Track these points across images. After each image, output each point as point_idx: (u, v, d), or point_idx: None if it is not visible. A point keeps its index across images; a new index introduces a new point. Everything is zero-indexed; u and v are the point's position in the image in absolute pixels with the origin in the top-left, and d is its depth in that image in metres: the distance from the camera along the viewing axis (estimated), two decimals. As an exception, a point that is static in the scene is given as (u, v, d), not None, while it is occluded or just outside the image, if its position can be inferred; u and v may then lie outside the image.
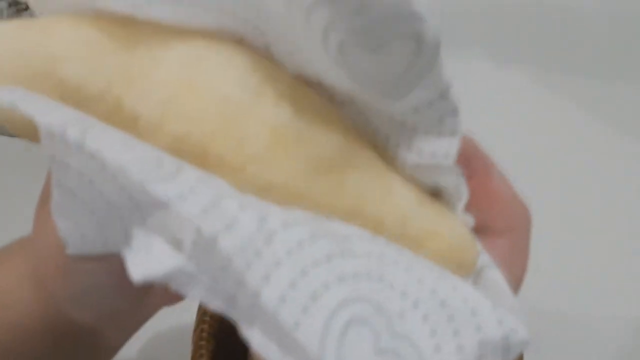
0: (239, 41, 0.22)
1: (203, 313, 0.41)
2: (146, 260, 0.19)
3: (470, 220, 0.24)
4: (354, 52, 0.19)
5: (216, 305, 0.19)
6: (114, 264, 0.26)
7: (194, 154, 0.21)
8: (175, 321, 0.46)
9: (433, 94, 0.20)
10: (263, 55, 0.23)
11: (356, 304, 0.19)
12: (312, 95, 0.22)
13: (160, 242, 0.19)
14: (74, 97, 0.22)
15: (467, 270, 0.23)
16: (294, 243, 0.19)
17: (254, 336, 0.19)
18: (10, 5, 0.79)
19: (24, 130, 0.23)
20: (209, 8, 0.21)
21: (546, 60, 0.74)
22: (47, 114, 0.19)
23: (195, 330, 0.41)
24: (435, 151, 0.21)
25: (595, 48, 0.75)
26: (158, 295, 0.32)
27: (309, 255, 0.19)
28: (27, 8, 0.78)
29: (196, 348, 0.40)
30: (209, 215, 0.18)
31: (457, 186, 0.23)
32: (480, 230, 0.24)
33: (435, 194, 0.24)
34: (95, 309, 0.30)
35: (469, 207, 0.23)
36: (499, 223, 0.23)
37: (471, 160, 0.23)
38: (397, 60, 0.19)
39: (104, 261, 0.27)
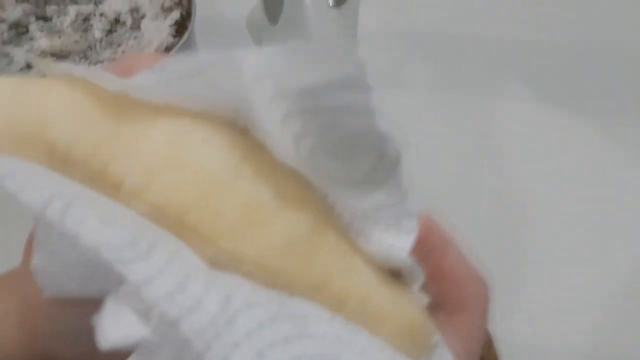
0: (224, 121, 0.24)
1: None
2: (115, 328, 0.20)
3: (424, 299, 0.25)
4: (323, 159, 0.21)
5: None
6: (99, 308, 0.28)
7: (171, 224, 0.22)
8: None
9: (393, 199, 0.23)
10: (245, 134, 0.24)
11: None
12: (288, 177, 0.23)
13: (129, 312, 0.20)
14: (61, 159, 0.23)
15: (422, 350, 0.24)
16: (254, 324, 0.20)
17: None
18: (10, 27, 0.81)
19: None
20: (195, 94, 0.23)
21: (590, 102, 0.76)
22: (30, 190, 0.21)
23: None
24: (393, 244, 0.23)
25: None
26: None
27: (268, 337, 0.20)
28: (27, 31, 0.80)
29: None
30: (175, 298, 0.20)
31: (412, 272, 0.24)
32: (436, 308, 0.24)
33: (394, 273, 0.25)
34: (79, 346, 0.30)
35: (426, 286, 0.24)
36: (454, 301, 0.24)
37: (428, 240, 0.24)
38: (361, 168, 0.22)
39: (90, 305, 0.27)
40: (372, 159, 0.22)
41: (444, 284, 0.24)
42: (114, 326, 0.20)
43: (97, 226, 0.20)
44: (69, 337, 0.30)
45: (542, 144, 0.71)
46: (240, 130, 0.24)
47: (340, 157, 0.21)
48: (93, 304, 0.27)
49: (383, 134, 0.21)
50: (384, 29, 0.88)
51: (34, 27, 0.81)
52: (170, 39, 0.74)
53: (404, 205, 0.23)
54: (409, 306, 0.24)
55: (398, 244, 0.23)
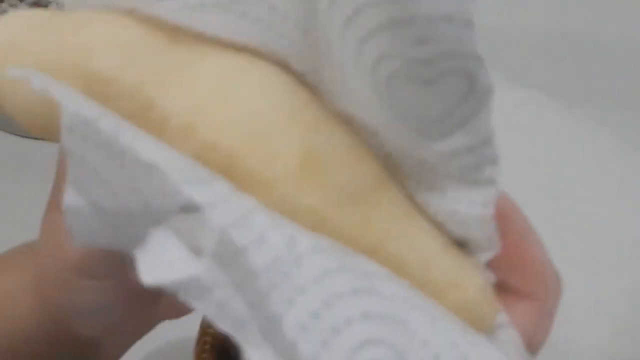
0: (279, 62, 0.22)
1: (206, 325, 0.41)
2: (160, 264, 0.18)
3: (491, 277, 0.23)
4: (404, 85, 0.19)
5: (224, 324, 0.18)
6: (118, 282, 0.27)
7: (222, 164, 0.20)
8: (177, 333, 0.46)
9: (475, 139, 0.20)
10: (301, 81, 0.22)
11: (379, 347, 0.18)
12: (345, 129, 0.22)
13: (178, 246, 0.18)
14: (102, 91, 0.21)
15: (484, 326, 0.22)
16: (320, 270, 0.18)
17: None
18: (30, 6, 0.79)
19: (40, 125, 0.23)
20: (257, 22, 0.21)
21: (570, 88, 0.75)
22: (78, 104, 0.19)
23: (197, 342, 0.40)
24: (473, 200, 0.20)
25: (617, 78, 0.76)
26: (161, 309, 0.32)
27: (335, 286, 0.18)
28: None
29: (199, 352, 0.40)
30: (240, 226, 0.18)
31: (489, 239, 0.21)
32: (507, 290, 0.23)
33: (461, 242, 0.23)
34: (95, 322, 0.30)
35: (499, 265, 0.22)
36: (528, 287, 0.22)
37: (508, 218, 0.22)
38: (447, 97, 0.19)
39: (108, 279, 0.27)
40: (463, 86, 0.18)
41: (521, 267, 0.22)
42: (160, 261, 0.18)
43: (154, 146, 0.18)
44: (87, 314, 0.29)
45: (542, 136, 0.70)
46: (296, 74, 0.22)
47: (426, 82, 0.18)
48: (115, 280, 0.26)
49: (479, 56, 0.18)
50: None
51: (54, 6, 0.79)
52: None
53: (488, 148, 0.20)
54: (476, 280, 0.22)
55: (479, 198, 0.20)
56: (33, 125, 0.23)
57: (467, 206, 0.21)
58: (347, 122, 0.22)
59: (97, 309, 0.28)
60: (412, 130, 0.20)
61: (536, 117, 0.73)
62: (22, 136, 0.69)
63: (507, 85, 0.77)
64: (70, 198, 0.20)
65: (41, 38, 0.22)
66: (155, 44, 0.22)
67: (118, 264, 0.25)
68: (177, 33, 0.22)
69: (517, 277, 0.22)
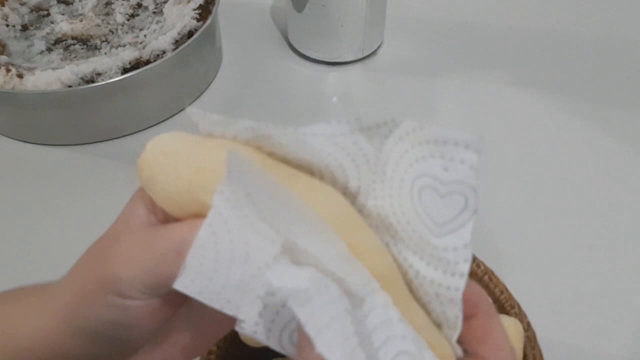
0: (333, 182, 0.31)
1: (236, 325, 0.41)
2: (282, 275, 0.27)
3: (460, 352, 0.30)
4: (429, 195, 0.29)
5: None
6: (148, 304, 0.31)
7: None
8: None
9: (460, 242, 0.28)
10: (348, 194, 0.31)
11: None
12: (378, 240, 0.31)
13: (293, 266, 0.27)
14: None
15: None
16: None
17: None
18: (31, 11, 0.79)
19: (177, 207, 0.30)
20: (343, 150, 0.30)
21: (562, 84, 0.75)
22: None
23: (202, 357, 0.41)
24: (450, 286, 0.28)
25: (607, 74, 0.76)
26: (169, 347, 0.34)
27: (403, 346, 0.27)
28: (48, 14, 0.78)
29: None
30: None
31: (456, 319, 0.29)
32: (472, 357, 0.29)
33: (438, 324, 0.30)
34: (114, 341, 0.32)
35: (473, 338, 0.29)
36: (492, 354, 0.29)
37: (478, 305, 0.30)
38: (452, 208, 0.28)
39: (140, 300, 0.30)
40: (461, 204, 0.28)
41: (485, 340, 0.29)
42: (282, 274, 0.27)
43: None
44: (110, 327, 0.31)
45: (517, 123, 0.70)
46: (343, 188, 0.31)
47: (440, 196, 0.29)
48: (144, 301, 0.31)
49: (474, 188, 0.28)
50: (410, 14, 0.87)
51: (55, 10, 0.80)
52: (194, 23, 0.73)
53: (466, 250, 0.28)
54: (447, 352, 0.30)
55: (453, 284, 0.28)
56: (171, 206, 0.30)
57: (445, 290, 0.29)
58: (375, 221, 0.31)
59: (114, 328, 0.31)
60: (426, 228, 0.29)
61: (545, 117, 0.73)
62: (24, 141, 0.70)
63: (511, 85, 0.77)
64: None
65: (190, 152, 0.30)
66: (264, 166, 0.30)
67: (152, 290, 0.30)
68: (273, 161, 0.31)
69: (485, 348, 0.29)
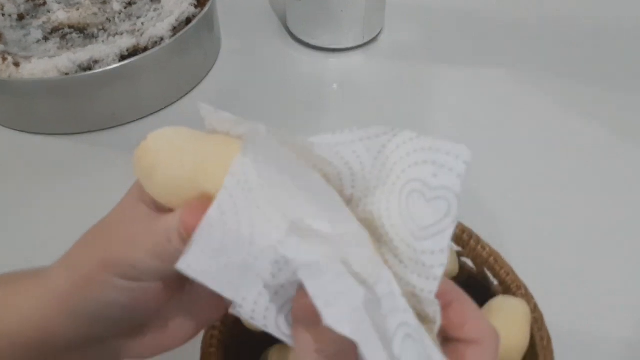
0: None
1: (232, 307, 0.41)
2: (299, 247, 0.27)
3: (438, 345, 0.30)
4: (416, 199, 0.30)
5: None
6: (147, 288, 0.31)
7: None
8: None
9: (438, 247, 0.29)
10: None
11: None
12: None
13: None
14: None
15: None
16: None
17: None
18: (28, 0, 0.78)
19: (174, 198, 0.30)
20: (343, 159, 0.31)
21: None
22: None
23: (204, 336, 0.40)
24: (424, 289, 0.30)
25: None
26: (160, 330, 0.34)
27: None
28: (44, 3, 0.77)
29: (205, 355, 0.39)
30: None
31: (435, 314, 0.30)
32: (460, 342, 0.30)
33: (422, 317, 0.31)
34: (111, 322, 0.32)
35: (452, 326, 0.30)
36: (470, 335, 0.30)
37: (450, 293, 0.31)
38: (435, 213, 0.30)
39: (139, 282, 0.31)
40: (444, 210, 0.29)
41: (463, 323, 0.30)
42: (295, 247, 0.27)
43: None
44: (108, 308, 0.31)
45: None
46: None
47: (427, 200, 0.30)
48: (143, 284, 0.31)
49: (458, 195, 0.29)
50: (410, 2, 0.86)
51: (55, 6, 0.79)
52: (192, 10, 0.72)
53: (442, 255, 0.29)
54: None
55: (427, 287, 0.29)
56: (168, 196, 0.30)
57: (420, 292, 0.30)
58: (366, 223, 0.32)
59: (119, 309, 0.31)
60: (408, 231, 0.30)
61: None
62: (21, 131, 0.69)
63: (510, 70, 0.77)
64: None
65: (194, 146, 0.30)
66: None
67: (154, 272, 0.30)
68: None
69: (464, 331, 0.30)
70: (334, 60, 0.78)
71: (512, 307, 0.40)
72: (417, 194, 0.30)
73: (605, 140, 0.67)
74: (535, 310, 0.41)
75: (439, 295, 0.29)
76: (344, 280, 0.27)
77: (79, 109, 0.67)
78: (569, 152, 0.66)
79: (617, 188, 0.62)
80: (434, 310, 0.30)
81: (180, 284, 0.33)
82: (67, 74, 0.64)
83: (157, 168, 0.30)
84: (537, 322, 0.41)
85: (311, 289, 0.25)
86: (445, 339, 0.31)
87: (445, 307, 0.30)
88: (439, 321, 0.30)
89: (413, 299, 0.30)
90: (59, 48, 0.71)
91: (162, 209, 0.31)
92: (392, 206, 0.31)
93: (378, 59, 0.78)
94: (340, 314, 0.25)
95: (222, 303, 0.33)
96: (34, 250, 0.58)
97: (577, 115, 0.70)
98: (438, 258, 0.29)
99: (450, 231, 0.29)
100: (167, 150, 0.30)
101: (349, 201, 0.32)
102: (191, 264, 0.28)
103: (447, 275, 0.47)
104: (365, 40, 0.78)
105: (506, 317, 0.39)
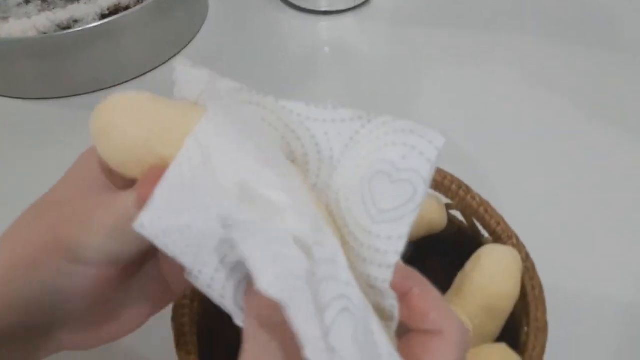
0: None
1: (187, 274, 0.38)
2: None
3: (396, 345, 0.28)
4: (381, 180, 0.28)
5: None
6: (98, 272, 0.28)
7: None
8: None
9: (396, 232, 0.27)
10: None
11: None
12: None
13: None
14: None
15: None
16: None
17: None
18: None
19: (127, 164, 0.28)
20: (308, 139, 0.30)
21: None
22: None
23: (174, 308, 0.38)
24: (378, 277, 0.27)
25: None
26: (106, 323, 0.32)
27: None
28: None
29: (177, 307, 0.37)
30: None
31: (392, 308, 0.27)
32: (424, 333, 0.27)
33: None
34: (58, 308, 0.30)
35: (413, 318, 0.27)
36: (434, 326, 0.27)
37: (409, 278, 0.28)
38: (399, 195, 0.27)
39: (92, 266, 0.28)
40: (409, 194, 0.27)
41: (425, 314, 0.27)
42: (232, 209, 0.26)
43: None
44: (56, 293, 0.29)
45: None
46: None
47: (392, 181, 0.28)
48: (95, 268, 0.28)
49: (426, 180, 0.27)
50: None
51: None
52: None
53: (399, 242, 0.27)
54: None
55: (381, 276, 0.27)
56: (122, 160, 0.28)
57: (374, 281, 0.27)
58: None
59: (62, 296, 0.29)
60: (367, 215, 0.28)
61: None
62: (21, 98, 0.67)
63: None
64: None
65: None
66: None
67: (110, 256, 0.28)
68: None
69: (429, 321, 0.27)
70: (325, 23, 0.75)
71: (502, 254, 0.38)
72: (382, 175, 0.28)
73: (598, 99, 0.65)
74: (526, 259, 0.39)
75: (397, 284, 0.27)
76: (283, 243, 0.25)
77: (58, 72, 0.65)
78: (565, 106, 0.63)
79: (616, 139, 0.60)
80: (391, 304, 0.27)
81: (133, 268, 0.31)
82: (45, 33, 0.62)
83: (113, 128, 0.27)
84: (529, 271, 0.38)
85: (245, 250, 0.24)
86: (408, 331, 0.28)
87: (404, 296, 0.27)
88: (396, 317, 0.27)
89: (370, 291, 0.28)
90: (40, 10, 0.69)
91: (116, 181, 0.29)
92: (354, 188, 0.29)
93: (370, 22, 0.75)
94: (273, 277, 0.24)
95: (174, 287, 0.31)
96: (12, 217, 0.56)
97: (574, 78, 0.68)
98: (394, 244, 0.27)
99: (411, 218, 0.27)
100: (126, 110, 0.28)
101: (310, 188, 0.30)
102: (147, 225, 0.26)
103: (435, 229, 0.45)
104: (357, 3, 0.75)
105: (496, 265, 0.37)
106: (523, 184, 0.57)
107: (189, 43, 0.72)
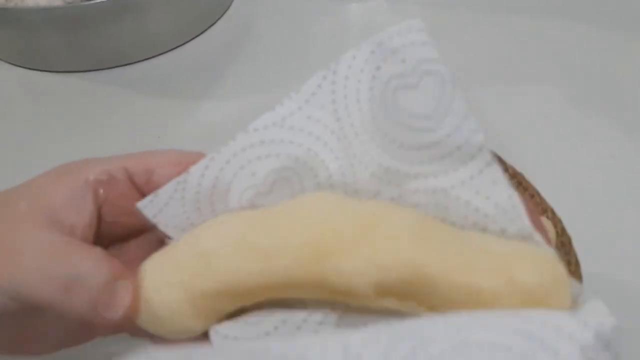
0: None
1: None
2: None
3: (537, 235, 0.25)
4: (402, 93, 0.26)
5: None
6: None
7: None
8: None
9: (457, 118, 0.25)
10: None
11: None
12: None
13: None
14: None
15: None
16: None
17: None
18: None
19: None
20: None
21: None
22: None
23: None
24: (476, 168, 0.25)
25: None
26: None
27: None
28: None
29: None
30: None
31: (510, 199, 0.25)
32: None
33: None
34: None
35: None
36: None
37: None
38: (430, 93, 0.26)
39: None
40: (437, 82, 0.26)
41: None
42: None
43: None
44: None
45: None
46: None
47: (413, 87, 0.26)
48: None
49: (438, 58, 0.26)
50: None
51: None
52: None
53: (469, 120, 0.25)
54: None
55: (477, 166, 0.25)
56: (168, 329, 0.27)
57: (476, 178, 0.25)
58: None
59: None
60: (417, 129, 0.26)
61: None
62: (25, 67, 0.67)
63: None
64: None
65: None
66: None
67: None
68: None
69: None
70: (356, 4, 0.73)
71: None
72: (401, 90, 0.26)
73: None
74: (562, 234, 0.36)
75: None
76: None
77: (86, 44, 0.64)
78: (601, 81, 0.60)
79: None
80: (509, 195, 0.25)
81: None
82: (71, 2, 0.61)
83: None
84: (564, 246, 0.36)
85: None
86: None
87: None
88: (520, 207, 0.25)
89: (480, 204, 0.25)
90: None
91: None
92: (380, 135, 0.27)
93: (403, 4, 0.73)
94: None
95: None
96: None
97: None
98: (466, 128, 0.25)
99: (458, 94, 0.25)
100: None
101: (342, 175, 0.28)
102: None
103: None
104: (390, -16, 0.73)
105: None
106: (560, 159, 0.53)
107: (217, 20, 0.71)
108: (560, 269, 0.24)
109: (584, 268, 0.35)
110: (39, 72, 0.66)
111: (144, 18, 0.64)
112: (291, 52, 0.68)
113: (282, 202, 0.26)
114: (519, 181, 0.39)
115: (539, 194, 0.38)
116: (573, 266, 0.35)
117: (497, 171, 0.25)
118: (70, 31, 0.63)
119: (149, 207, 0.28)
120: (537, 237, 0.24)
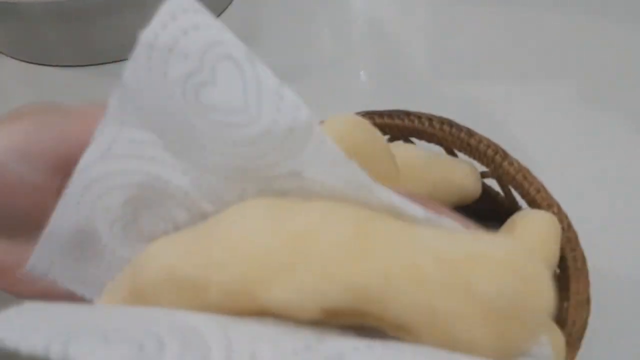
0: None
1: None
2: None
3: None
4: (204, 94, 0.23)
5: None
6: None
7: None
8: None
9: (274, 100, 0.22)
10: None
11: None
12: None
13: None
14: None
15: None
16: None
17: None
18: None
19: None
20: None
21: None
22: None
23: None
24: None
25: None
26: None
27: None
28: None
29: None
30: None
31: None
32: None
33: None
34: None
35: None
36: None
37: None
38: (231, 86, 0.23)
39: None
40: (236, 74, 0.23)
41: None
42: None
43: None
44: None
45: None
46: None
47: (210, 84, 0.23)
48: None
49: (240, 44, 0.23)
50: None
51: None
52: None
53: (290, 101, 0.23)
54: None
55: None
56: None
57: (320, 157, 0.23)
58: None
59: None
60: (237, 127, 0.23)
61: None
62: (26, 61, 0.66)
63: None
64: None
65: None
66: None
67: None
68: None
69: None
70: (361, -2, 0.73)
71: (538, 219, 0.34)
72: (200, 91, 0.23)
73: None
74: (568, 229, 0.35)
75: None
76: None
77: (88, 38, 0.64)
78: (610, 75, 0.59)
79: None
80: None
81: None
82: (74, -4, 0.61)
83: None
84: (570, 242, 0.35)
85: None
86: None
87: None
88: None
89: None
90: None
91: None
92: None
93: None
94: None
95: None
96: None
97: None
98: (287, 105, 0.22)
99: (264, 74, 0.22)
100: None
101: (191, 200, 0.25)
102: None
103: (467, 198, 0.41)
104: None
105: (530, 230, 0.34)
106: (567, 153, 0.53)
107: (222, 12, 0.70)
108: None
109: (590, 264, 0.34)
110: (40, 66, 0.66)
111: (145, 12, 0.63)
112: (292, 50, 0.67)
113: (213, 219, 0.23)
114: (523, 175, 0.38)
115: (544, 189, 0.37)
116: (580, 263, 0.34)
117: (335, 149, 0.23)
118: (72, 25, 0.62)
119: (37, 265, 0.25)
120: (447, 221, 0.22)
